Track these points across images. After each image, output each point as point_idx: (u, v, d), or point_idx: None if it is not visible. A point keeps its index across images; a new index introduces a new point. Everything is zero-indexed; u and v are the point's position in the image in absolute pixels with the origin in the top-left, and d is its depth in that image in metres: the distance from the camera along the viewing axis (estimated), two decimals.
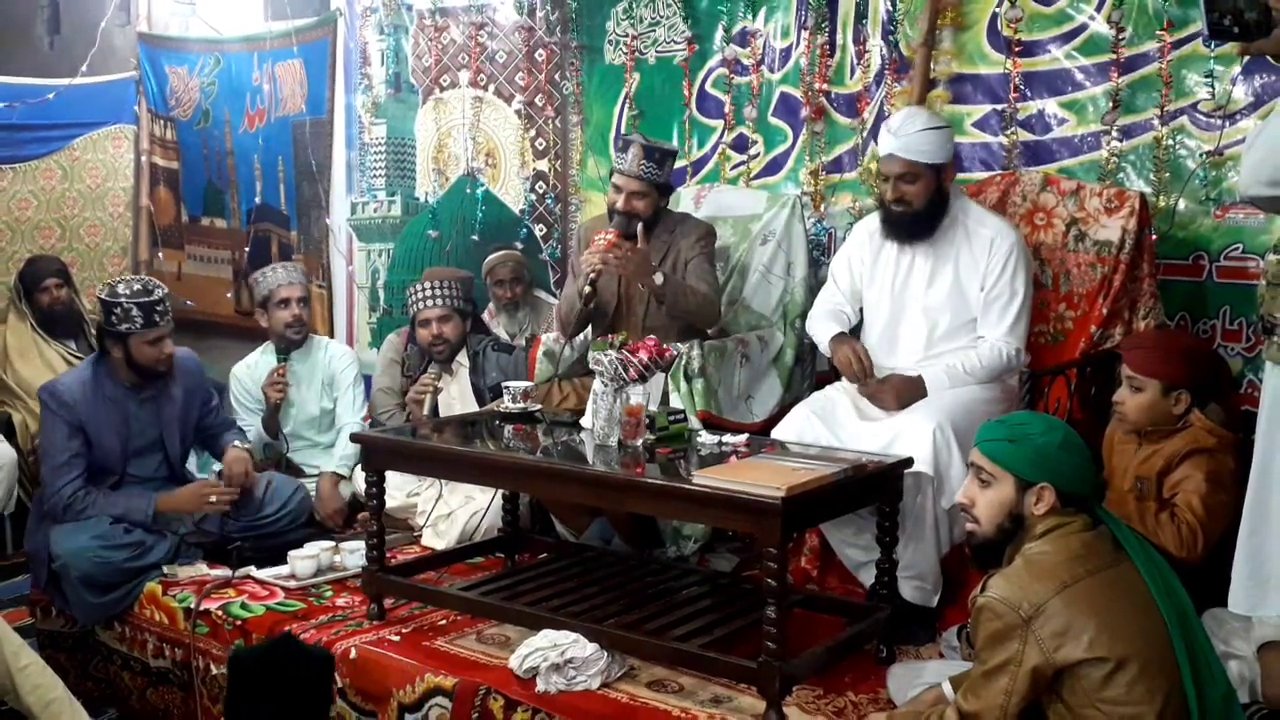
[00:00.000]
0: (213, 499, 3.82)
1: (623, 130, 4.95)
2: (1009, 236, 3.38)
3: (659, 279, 3.73)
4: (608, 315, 4.00)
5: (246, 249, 6.51)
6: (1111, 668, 2.15)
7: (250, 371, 4.68)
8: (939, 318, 3.44)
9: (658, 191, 3.87)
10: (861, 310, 3.65)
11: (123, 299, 3.72)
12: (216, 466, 4.26)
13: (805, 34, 4.42)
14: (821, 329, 3.59)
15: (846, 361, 3.41)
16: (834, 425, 3.34)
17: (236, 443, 4.10)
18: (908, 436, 3.13)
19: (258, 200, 6.44)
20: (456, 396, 4.42)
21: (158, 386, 3.90)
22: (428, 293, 4.39)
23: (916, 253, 3.46)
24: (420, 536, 4.11)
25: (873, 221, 3.61)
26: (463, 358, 4.47)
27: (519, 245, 5.16)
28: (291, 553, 3.72)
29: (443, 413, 4.36)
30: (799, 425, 3.37)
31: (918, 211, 3.39)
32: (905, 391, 3.33)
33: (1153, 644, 2.19)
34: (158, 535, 3.77)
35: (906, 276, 3.49)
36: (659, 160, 3.84)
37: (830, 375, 3.76)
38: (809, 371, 4.15)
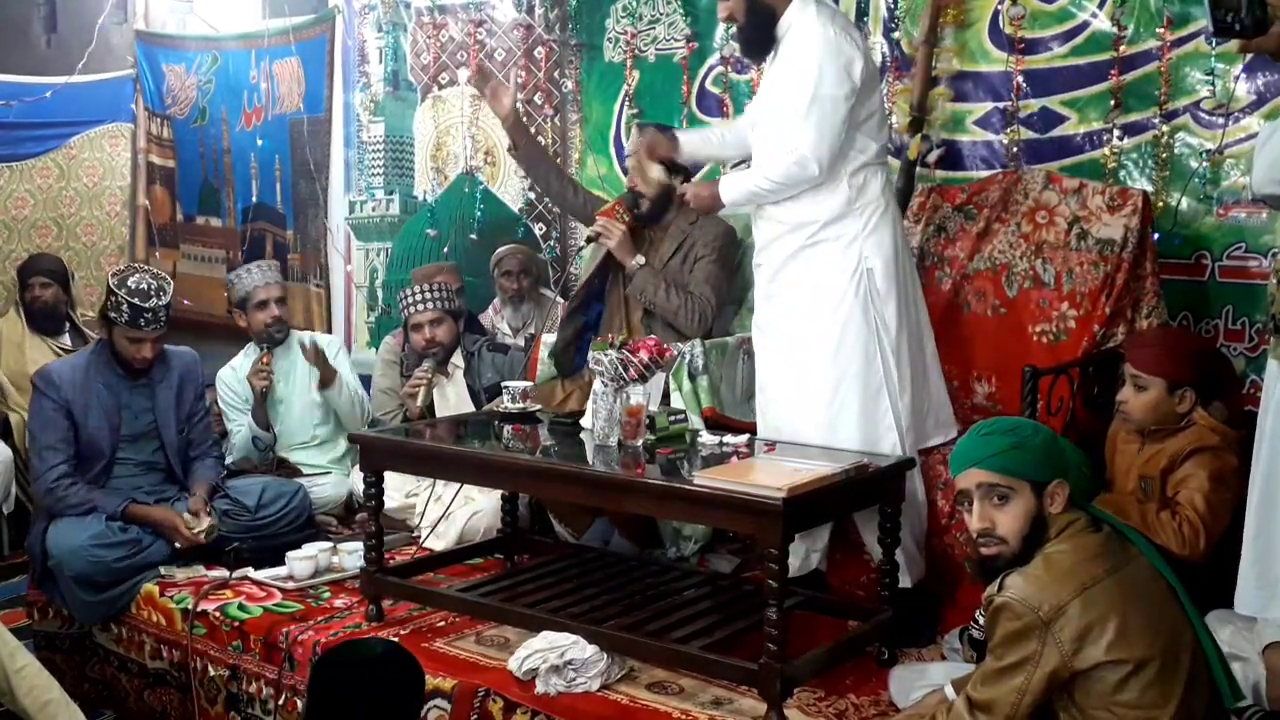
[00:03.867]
0: (178, 544, 3.72)
1: (622, 129, 4.93)
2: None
3: (635, 262, 3.84)
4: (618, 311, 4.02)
5: (242, 248, 6.49)
6: (1129, 670, 2.13)
7: (235, 374, 4.65)
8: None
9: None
10: None
11: (120, 292, 3.72)
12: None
13: None
14: None
15: None
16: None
17: (199, 491, 3.88)
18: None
19: (254, 199, 6.42)
20: (452, 398, 4.39)
21: (151, 375, 3.91)
22: (417, 297, 4.38)
23: None
24: (419, 537, 4.09)
25: None
26: (458, 359, 4.45)
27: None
28: (290, 554, 3.70)
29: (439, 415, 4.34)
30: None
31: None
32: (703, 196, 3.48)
33: (1168, 645, 2.18)
34: (153, 534, 3.74)
35: None
36: None
37: None
38: None
